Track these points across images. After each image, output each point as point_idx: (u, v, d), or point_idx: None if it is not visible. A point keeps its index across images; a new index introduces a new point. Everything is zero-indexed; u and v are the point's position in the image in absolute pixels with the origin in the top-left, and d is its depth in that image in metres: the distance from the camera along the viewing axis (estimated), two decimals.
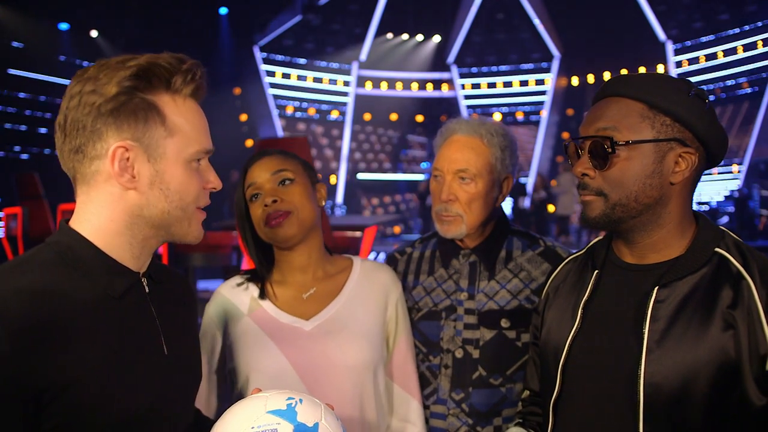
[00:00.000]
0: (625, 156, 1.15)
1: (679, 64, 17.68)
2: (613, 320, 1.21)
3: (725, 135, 1.21)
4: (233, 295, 1.56)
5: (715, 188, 15.62)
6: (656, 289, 1.16)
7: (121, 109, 0.98)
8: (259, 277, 1.57)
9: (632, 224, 1.19)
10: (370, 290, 1.59)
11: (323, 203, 1.61)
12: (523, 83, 20.28)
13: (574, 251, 1.47)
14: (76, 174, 1.03)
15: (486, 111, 20.21)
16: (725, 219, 13.94)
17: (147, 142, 1.00)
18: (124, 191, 1.01)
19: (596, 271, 1.27)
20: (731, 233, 1.21)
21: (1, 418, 0.86)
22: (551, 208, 13.05)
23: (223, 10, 17.25)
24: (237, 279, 1.60)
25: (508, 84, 20.36)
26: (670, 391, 1.11)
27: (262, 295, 1.54)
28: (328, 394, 1.41)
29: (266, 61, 18.83)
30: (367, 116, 20.28)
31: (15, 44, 13.25)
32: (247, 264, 6.42)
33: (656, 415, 1.12)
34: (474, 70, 20.55)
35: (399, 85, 20.62)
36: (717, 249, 1.17)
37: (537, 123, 19.78)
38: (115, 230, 1.02)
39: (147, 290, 1.08)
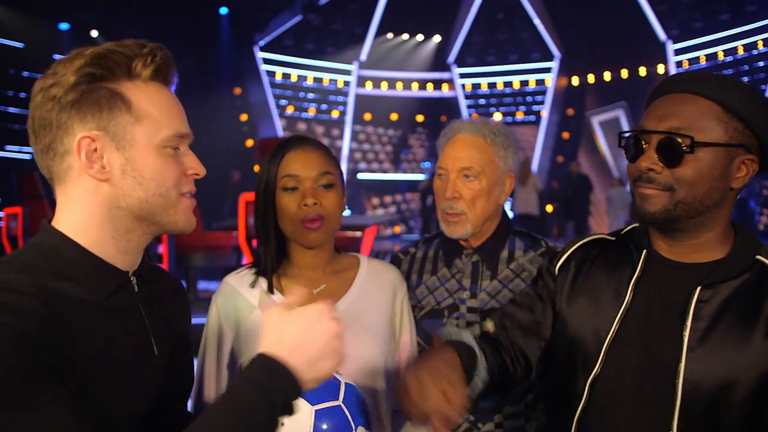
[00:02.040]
0: (699, 156, 1.14)
1: (679, 64, 17.68)
2: (655, 312, 1.20)
3: None
4: (243, 287, 1.54)
5: None
6: (699, 288, 1.16)
7: (83, 98, 0.95)
8: (268, 270, 1.54)
9: (687, 224, 1.18)
10: (378, 286, 1.60)
11: (344, 209, 1.60)
12: (523, 83, 20.28)
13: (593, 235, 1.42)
14: (51, 174, 1.00)
15: (486, 111, 20.22)
16: None
17: (113, 130, 0.97)
18: (98, 183, 0.98)
19: (644, 251, 1.25)
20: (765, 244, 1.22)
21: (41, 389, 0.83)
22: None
23: (223, 10, 17.26)
24: (245, 271, 1.58)
25: (508, 84, 20.37)
26: (709, 391, 1.11)
27: (273, 288, 1.53)
28: None
29: (266, 61, 18.84)
30: (368, 116, 20.29)
31: (15, 44, 13.25)
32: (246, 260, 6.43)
33: (692, 412, 1.12)
34: (474, 70, 20.55)
35: (399, 85, 20.63)
36: (758, 257, 1.18)
37: (537, 123, 19.78)
38: (96, 225, 0.99)
39: (136, 290, 1.05)
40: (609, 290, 1.26)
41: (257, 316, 1.49)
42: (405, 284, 1.69)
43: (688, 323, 1.15)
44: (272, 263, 1.53)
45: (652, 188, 1.17)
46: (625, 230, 1.35)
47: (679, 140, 1.13)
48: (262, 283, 1.54)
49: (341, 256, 1.63)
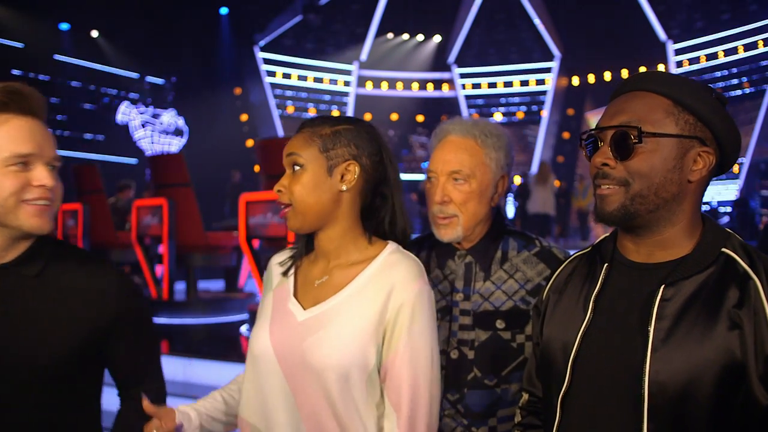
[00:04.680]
0: (650, 148, 1.16)
1: (679, 64, 17.69)
2: (620, 318, 1.21)
3: (740, 140, 1.22)
4: (275, 267, 1.54)
5: (716, 188, 15.63)
6: (662, 287, 1.16)
7: None
8: (297, 254, 1.51)
9: (647, 219, 1.19)
10: (376, 288, 1.41)
11: (344, 187, 1.39)
12: (524, 83, 20.29)
13: (573, 251, 1.47)
14: None
15: (486, 111, 20.22)
16: (725, 219, 13.94)
17: None
18: None
19: (606, 264, 1.27)
20: (736, 235, 1.22)
21: None
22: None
23: (224, 10, 17.28)
24: (286, 251, 1.56)
25: (508, 84, 20.38)
26: (675, 390, 1.11)
27: (289, 272, 1.49)
28: (297, 388, 1.37)
29: (266, 61, 18.84)
30: (368, 116, 20.25)
31: (15, 44, 13.26)
32: (247, 260, 6.41)
33: (661, 413, 1.12)
34: (474, 70, 20.56)
35: (399, 85, 20.64)
36: (724, 249, 1.18)
37: (537, 123, 19.78)
38: None
39: None
40: (576, 308, 1.28)
41: (270, 297, 1.49)
42: (413, 287, 1.40)
43: (652, 323, 1.14)
44: (302, 247, 1.51)
45: (608, 184, 1.19)
46: (597, 241, 1.36)
47: (630, 133, 1.16)
48: (288, 264, 1.51)
49: (366, 245, 1.45)
